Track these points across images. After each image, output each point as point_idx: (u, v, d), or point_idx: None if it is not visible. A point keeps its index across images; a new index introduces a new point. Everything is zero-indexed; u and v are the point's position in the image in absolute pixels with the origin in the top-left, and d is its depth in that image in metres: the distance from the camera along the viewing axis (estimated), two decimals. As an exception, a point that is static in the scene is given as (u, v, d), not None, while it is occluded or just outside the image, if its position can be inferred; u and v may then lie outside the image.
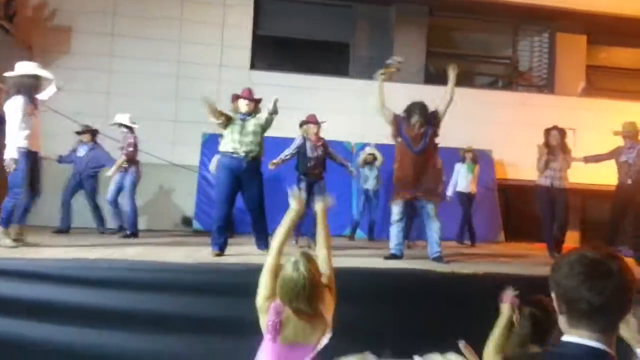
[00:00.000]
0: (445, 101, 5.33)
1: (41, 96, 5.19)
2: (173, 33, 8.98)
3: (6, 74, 5.08)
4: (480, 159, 8.00)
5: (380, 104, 5.35)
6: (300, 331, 2.20)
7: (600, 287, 1.27)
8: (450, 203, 7.38)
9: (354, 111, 8.69)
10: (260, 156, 5.20)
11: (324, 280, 2.29)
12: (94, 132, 7.22)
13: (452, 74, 5.39)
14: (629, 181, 6.26)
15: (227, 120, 5.09)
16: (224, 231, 5.00)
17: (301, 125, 6.50)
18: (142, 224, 8.28)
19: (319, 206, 2.59)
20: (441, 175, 5.79)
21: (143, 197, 8.39)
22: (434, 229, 5.23)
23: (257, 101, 5.33)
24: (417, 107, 5.30)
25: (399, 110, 5.45)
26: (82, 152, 7.13)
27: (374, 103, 5.41)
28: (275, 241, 2.42)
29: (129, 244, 5.73)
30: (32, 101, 4.96)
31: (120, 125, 6.75)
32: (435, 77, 9.63)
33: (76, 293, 3.66)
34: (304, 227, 5.96)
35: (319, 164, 6.35)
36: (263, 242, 5.13)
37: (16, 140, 4.78)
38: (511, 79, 10.31)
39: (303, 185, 6.12)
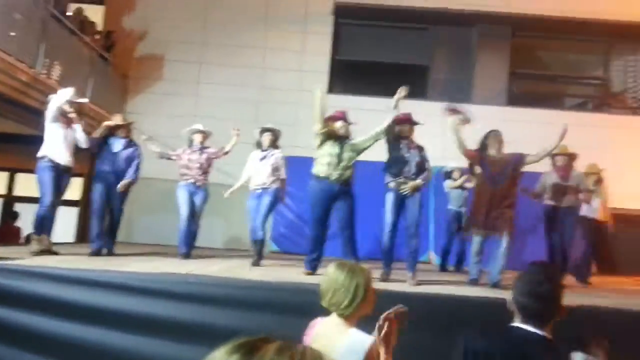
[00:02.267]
0: (538, 156, 5.14)
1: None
2: (256, 60, 9.35)
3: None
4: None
5: (459, 145, 5.25)
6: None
7: None
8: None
9: (433, 134, 8.51)
10: (351, 179, 5.11)
11: None
12: (129, 127, 6.09)
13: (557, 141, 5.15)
14: None
15: (327, 136, 5.02)
16: (317, 252, 5.02)
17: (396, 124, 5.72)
18: (218, 243, 8.55)
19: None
20: (514, 213, 5.28)
21: (219, 216, 8.66)
22: (498, 263, 5.03)
23: (351, 124, 5.24)
24: (494, 135, 5.22)
25: (478, 134, 5.37)
26: (118, 146, 5.92)
27: (455, 144, 5.27)
28: None
29: (210, 261, 5.89)
30: (59, 118, 5.38)
31: (198, 132, 6.26)
32: (519, 99, 9.28)
33: (160, 306, 3.80)
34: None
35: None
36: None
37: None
38: (603, 100, 9.70)
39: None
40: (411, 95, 9.16)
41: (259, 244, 5.91)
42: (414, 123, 5.52)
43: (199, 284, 3.96)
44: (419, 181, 5.12)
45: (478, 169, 5.48)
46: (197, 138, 6.33)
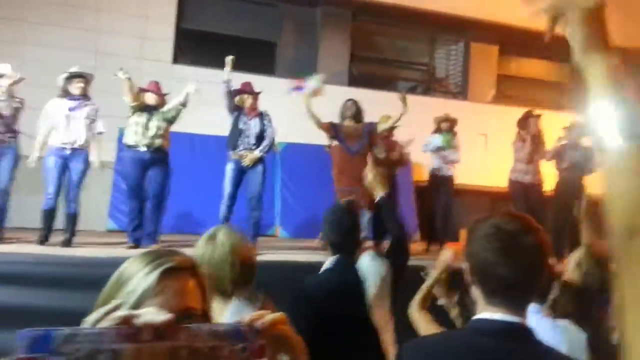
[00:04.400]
0: (387, 123, 5.57)
1: None
2: (90, 22, 8.57)
3: None
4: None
5: (315, 121, 5.48)
6: None
7: (516, 263, 1.20)
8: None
9: (279, 110, 8.71)
10: (165, 147, 5.18)
11: None
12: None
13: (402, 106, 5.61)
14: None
15: (139, 107, 5.10)
16: (137, 224, 5.09)
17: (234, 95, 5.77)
18: (35, 222, 7.75)
19: None
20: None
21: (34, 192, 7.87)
22: None
23: (164, 96, 5.39)
24: (347, 106, 5.54)
25: (325, 110, 5.65)
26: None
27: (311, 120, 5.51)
28: None
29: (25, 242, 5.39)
30: None
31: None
32: (358, 80, 9.91)
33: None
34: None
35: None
36: (152, 237, 5.12)
37: None
38: (429, 85, 10.82)
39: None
40: (259, 70, 9.34)
41: (53, 216, 5.21)
42: (253, 93, 5.69)
43: (10, 263, 3.62)
44: (256, 153, 5.29)
45: (334, 142, 5.73)
46: None
